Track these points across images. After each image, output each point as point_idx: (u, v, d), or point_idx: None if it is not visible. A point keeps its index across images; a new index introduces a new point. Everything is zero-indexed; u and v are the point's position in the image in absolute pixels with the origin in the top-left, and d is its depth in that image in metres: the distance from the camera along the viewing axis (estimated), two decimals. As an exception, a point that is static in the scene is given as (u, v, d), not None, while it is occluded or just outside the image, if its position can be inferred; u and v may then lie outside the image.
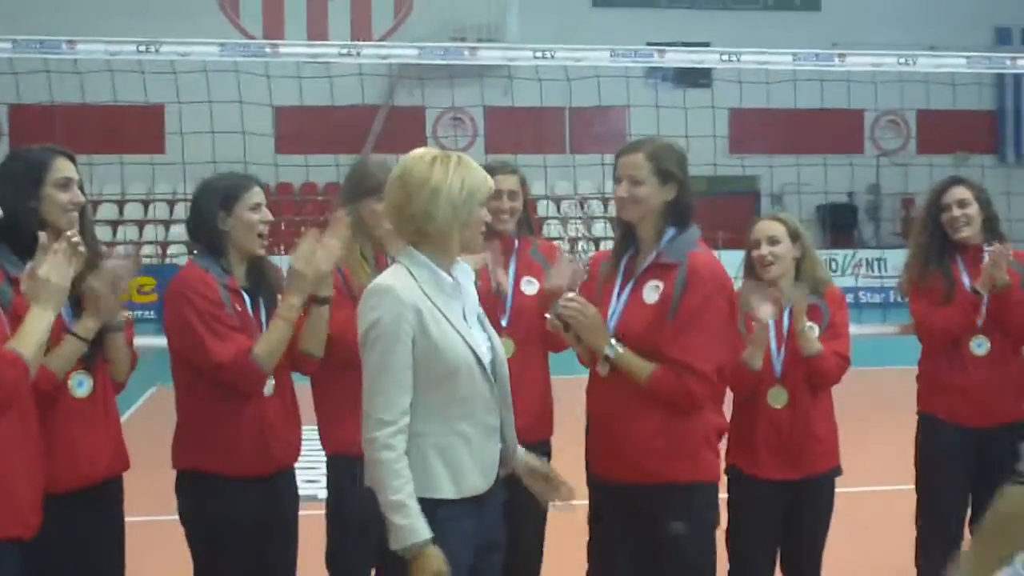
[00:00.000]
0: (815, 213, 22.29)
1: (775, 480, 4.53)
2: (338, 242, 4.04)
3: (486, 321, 3.51)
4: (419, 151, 3.42)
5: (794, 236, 4.57)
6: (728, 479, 4.66)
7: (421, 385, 3.27)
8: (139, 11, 21.19)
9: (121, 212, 21.73)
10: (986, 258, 4.86)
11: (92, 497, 3.76)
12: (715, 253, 4.88)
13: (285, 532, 4.19)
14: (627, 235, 3.97)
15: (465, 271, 3.46)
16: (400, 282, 3.29)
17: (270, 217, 4.03)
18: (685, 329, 3.72)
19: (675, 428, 3.79)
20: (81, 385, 3.73)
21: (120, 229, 21.18)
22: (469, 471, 3.32)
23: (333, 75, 8.01)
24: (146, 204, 22.28)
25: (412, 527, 3.19)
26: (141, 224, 22.00)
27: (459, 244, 3.38)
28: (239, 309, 3.97)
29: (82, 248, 3.33)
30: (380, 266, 4.33)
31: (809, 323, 4.51)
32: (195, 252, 4.09)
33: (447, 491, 3.28)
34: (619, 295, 3.90)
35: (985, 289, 4.87)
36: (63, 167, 3.71)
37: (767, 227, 4.56)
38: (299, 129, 20.24)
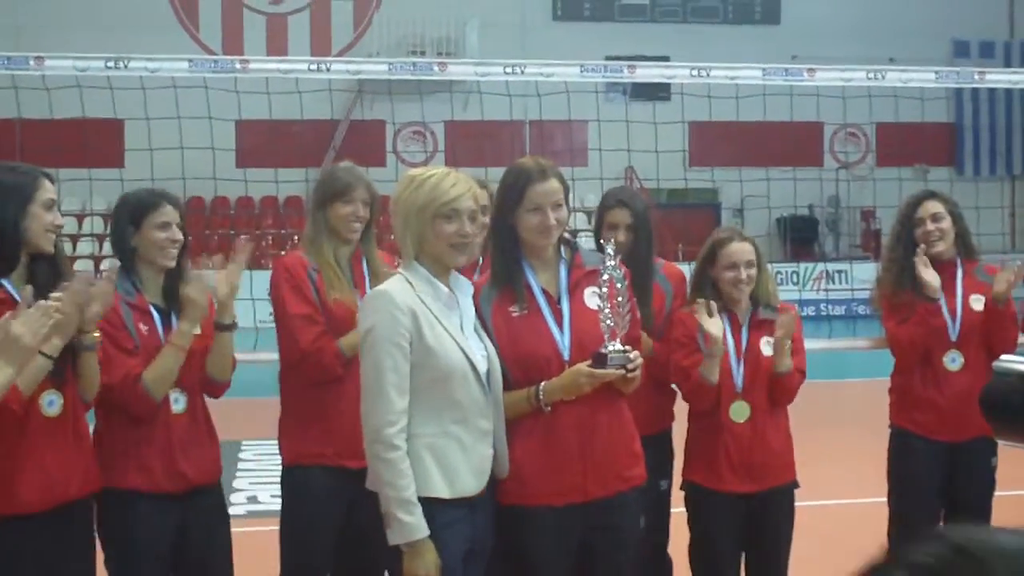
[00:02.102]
0: (776, 226, 22.42)
1: (736, 493, 4.55)
2: (238, 267, 4.08)
3: (483, 334, 3.58)
4: (412, 170, 3.58)
5: (758, 254, 4.64)
6: (687, 495, 4.69)
7: (417, 388, 3.39)
8: (100, 28, 21.04)
9: (80, 226, 21.53)
10: (959, 277, 4.93)
11: (63, 517, 3.71)
12: (677, 265, 4.90)
13: (207, 551, 4.14)
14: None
15: (463, 286, 3.57)
16: (397, 288, 3.42)
17: (178, 236, 4.01)
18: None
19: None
20: (52, 404, 3.68)
21: (80, 244, 21.00)
22: (462, 472, 3.44)
23: (302, 90, 7.99)
24: (106, 219, 22.06)
25: (415, 524, 3.33)
26: (101, 238, 21.78)
27: (433, 259, 3.46)
28: (144, 328, 3.96)
29: (59, 314, 3.25)
30: (357, 271, 4.36)
31: (766, 338, 4.57)
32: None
33: (441, 490, 3.40)
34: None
35: (1000, 302, 4.90)
36: (50, 188, 3.69)
37: (743, 250, 4.59)
38: (260, 143, 20.13)
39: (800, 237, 23.96)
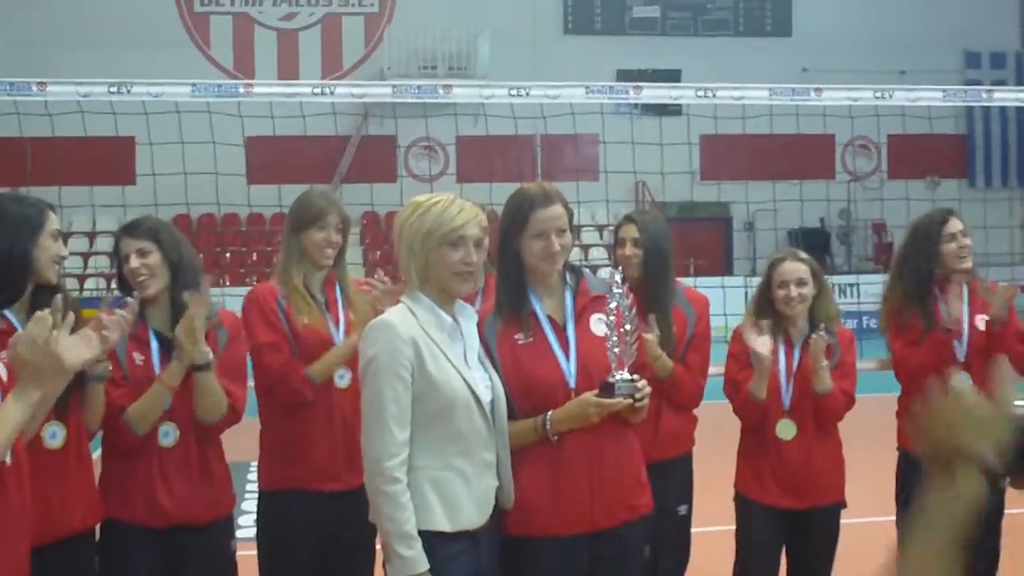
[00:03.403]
0: (787, 239, 22.37)
1: (779, 508, 4.67)
2: (201, 309, 3.96)
3: (487, 363, 3.53)
4: (418, 196, 3.51)
5: (815, 275, 4.76)
6: (736, 506, 4.83)
7: (418, 419, 3.33)
8: (110, 45, 21.11)
9: (92, 244, 21.56)
10: (964, 297, 4.91)
11: (66, 551, 3.68)
12: (688, 280, 4.94)
13: None
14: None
15: (468, 314, 3.51)
16: (399, 318, 3.36)
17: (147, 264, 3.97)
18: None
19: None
20: (54, 436, 3.66)
21: (92, 260, 21.04)
22: (464, 505, 3.37)
23: (306, 114, 7.99)
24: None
25: (415, 558, 3.26)
26: (112, 256, 21.87)
27: (437, 287, 3.42)
28: (140, 359, 3.94)
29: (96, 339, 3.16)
30: (330, 296, 4.36)
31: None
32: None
33: (442, 524, 3.33)
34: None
35: (997, 326, 4.92)
36: (55, 219, 3.68)
37: (796, 269, 4.73)
38: (271, 160, 20.16)
39: (812, 249, 23.85)
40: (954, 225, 5.01)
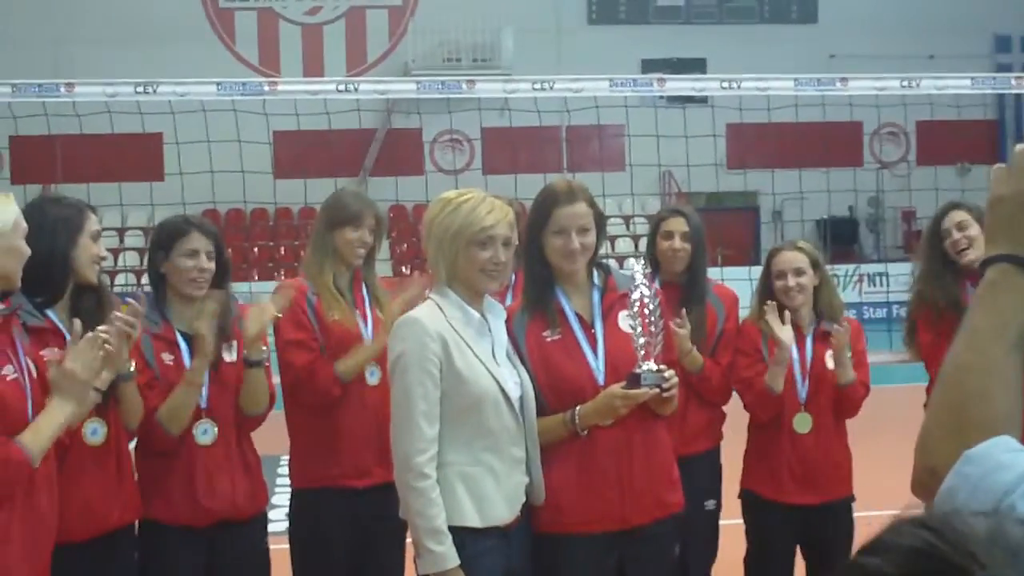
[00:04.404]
0: (815, 228, 22.26)
1: (795, 505, 4.60)
2: (273, 307, 4.08)
3: (516, 360, 3.53)
4: (447, 193, 3.52)
5: (815, 264, 4.68)
6: (745, 503, 4.76)
7: (447, 415, 3.34)
8: (136, 43, 21.21)
9: (122, 240, 21.68)
10: None
11: (105, 546, 3.71)
12: (714, 271, 4.90)
13: None
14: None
15: (496, 310, 3.52)
16: (427, 315, 3.38)
17: (206, 266, 3.95)
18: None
19: None
20: (95, 433, 3.68)
21: (120, 256, 21.15)
22: (494, 501, 3.39)
23: (331, 110, 8.01)
24: (146, 232, 22.22)
25: (445, 553, 3.27)
26: (142, 252, 21.93)
27: (465, 284, 3.42)
28: (169, 359, 3.94)
29: (109, 346, 3.23)
30: (357, 295, 4.37)
31: (829, 351, 4.61)
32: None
33: (472, 519, 3.35)
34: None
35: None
36: (95, 220, 3.72)
37: (792, 258, 4.66)
38: (297, 155, 20.20)
39: (841, 238, 23.74)
40: (952, 218, 4.90)
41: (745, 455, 4.76)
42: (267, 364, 4.16)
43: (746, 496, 4.74)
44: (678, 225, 4.75)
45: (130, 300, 3.72)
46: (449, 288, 3.43)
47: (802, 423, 4.58)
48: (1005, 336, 1.56)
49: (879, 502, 7.38)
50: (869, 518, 6.50)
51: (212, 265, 3.97)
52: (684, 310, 4.49)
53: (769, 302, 4.59)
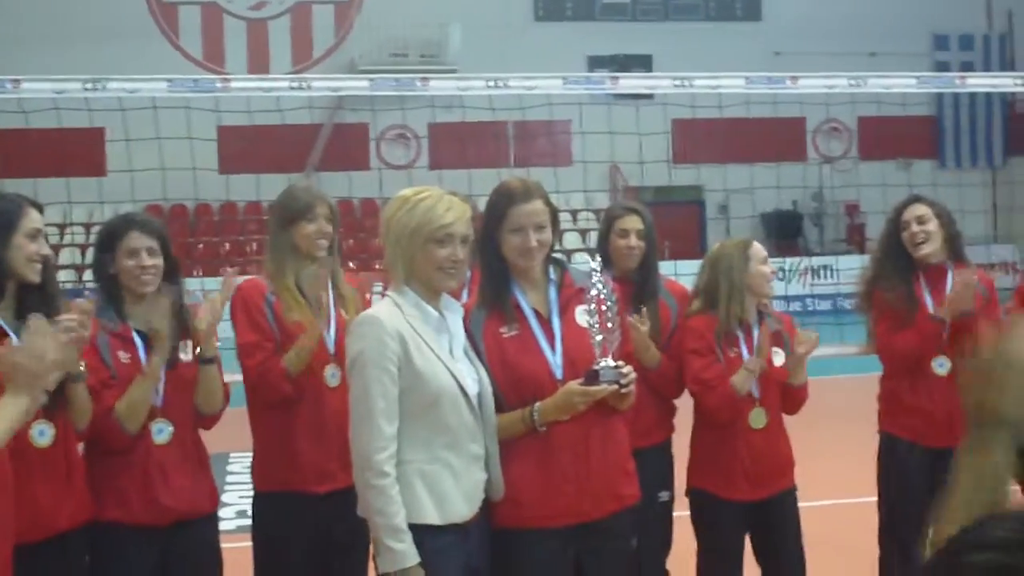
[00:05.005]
0: (760, 222, 22.45)
1: (745, 501, 4.59)
2: (220, 300, 4.06)
3: (474, 357, 3.54)
4: (405, 191, 3.51)
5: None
6: (694, 502, 4.72)
7: (406, 413, 3.35)
8: (84, 37, 20.98)
9: (62, 237, 21.41)
10: (949, 282, 4.88)
11: (56, 549, 3.67)
12: (667, 265, 4.93)
13: None
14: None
15: (454, 308, 3.53)
16: (385, 313, 3.38)
17: (147, 263, 3.93)
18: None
19: None
20: (43, 435, 3.63)
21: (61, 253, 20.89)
22: (453, 498, 3.39)
23: (280, 105, 7.97)
24: (87, 228, 21.96)
25: (405, 552, 3.28)
26: (83, 248, 21.70)
27: (423, 282, 3.43)
28: (125, 357, 3.92)
29: (64, 338, 3.15)
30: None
31: (776, 348, 4.61)
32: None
33: (431, 517, 3.35)
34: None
35: (948, 316, 4.85)
36: (35, 217, 3.60)
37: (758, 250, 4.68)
38: (244, 150, 20.08)
39: (785, 231, 23.99)
40: (912, 211, 4.97)
41: (692, 452, 4.71)
42: (219, 361, 4.14)
43: (696, 495, 4.69)
44: (633, 223, 4.78)
45: (79, 301, 3.69)
46: (407, 286, 3.43)
47: (757, 419, 4.56)
48: None
49: (823, 492, 7.49)
50: (816, 507, 6.58)
51: (157, 261, 3.93)
52: (644, 308, 4.53)
53: (764, 301, 4.62)
